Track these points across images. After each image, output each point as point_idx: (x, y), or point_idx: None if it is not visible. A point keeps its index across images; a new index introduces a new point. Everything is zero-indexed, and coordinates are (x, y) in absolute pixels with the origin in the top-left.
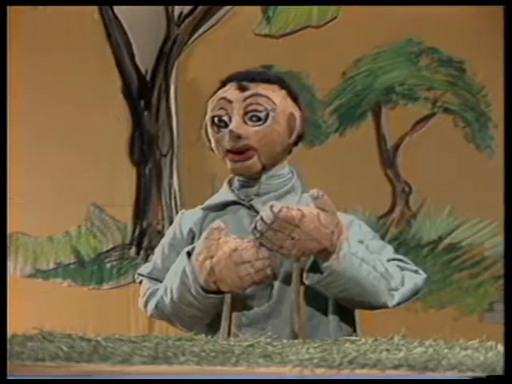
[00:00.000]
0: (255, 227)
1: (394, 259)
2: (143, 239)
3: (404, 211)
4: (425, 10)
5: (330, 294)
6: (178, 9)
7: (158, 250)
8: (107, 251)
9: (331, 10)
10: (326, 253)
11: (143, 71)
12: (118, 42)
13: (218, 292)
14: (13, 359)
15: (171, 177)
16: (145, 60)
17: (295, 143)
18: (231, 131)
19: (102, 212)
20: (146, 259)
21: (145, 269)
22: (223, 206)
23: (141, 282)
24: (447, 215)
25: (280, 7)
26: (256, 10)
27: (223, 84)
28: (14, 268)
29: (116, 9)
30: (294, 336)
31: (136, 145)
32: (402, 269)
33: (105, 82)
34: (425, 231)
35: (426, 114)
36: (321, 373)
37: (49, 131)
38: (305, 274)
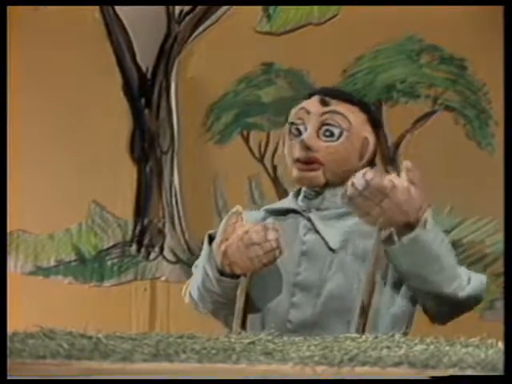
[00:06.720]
0: (345, 192)
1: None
2: (144, 237)
3: None
4: (425, 7)
5: (406, 266)
6: (178, 7)
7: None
8: (108, 248)
9: (332, 7)
10: (408, 226)
11: (144, 69)
12: (118, 40)
13: (234, 276)
14: (13, 357)
15: (172, 174)
16: (145, 58)
17: None
18: (302, 141)
19: (102, 209)
20: (147, 257)
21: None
22: (284, 212)
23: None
24: (448, 213)
25: None
26: (257, 7)
27: (309, 96)
28: (14, 265)
29: (117, 7)
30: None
31: (137, 142)
32: None
33: (105, 80)
34: None
35: (426, 111)
36: (321, 370)
37: (49, 129)
38: (383, 244)
